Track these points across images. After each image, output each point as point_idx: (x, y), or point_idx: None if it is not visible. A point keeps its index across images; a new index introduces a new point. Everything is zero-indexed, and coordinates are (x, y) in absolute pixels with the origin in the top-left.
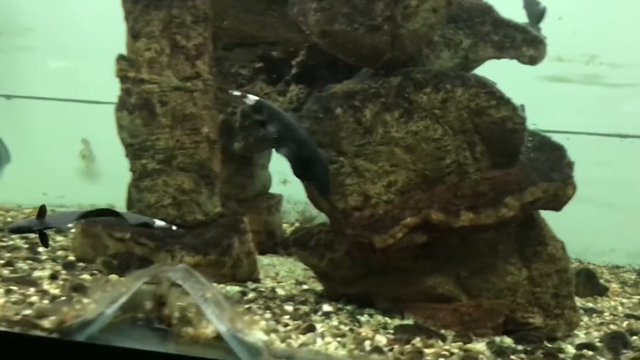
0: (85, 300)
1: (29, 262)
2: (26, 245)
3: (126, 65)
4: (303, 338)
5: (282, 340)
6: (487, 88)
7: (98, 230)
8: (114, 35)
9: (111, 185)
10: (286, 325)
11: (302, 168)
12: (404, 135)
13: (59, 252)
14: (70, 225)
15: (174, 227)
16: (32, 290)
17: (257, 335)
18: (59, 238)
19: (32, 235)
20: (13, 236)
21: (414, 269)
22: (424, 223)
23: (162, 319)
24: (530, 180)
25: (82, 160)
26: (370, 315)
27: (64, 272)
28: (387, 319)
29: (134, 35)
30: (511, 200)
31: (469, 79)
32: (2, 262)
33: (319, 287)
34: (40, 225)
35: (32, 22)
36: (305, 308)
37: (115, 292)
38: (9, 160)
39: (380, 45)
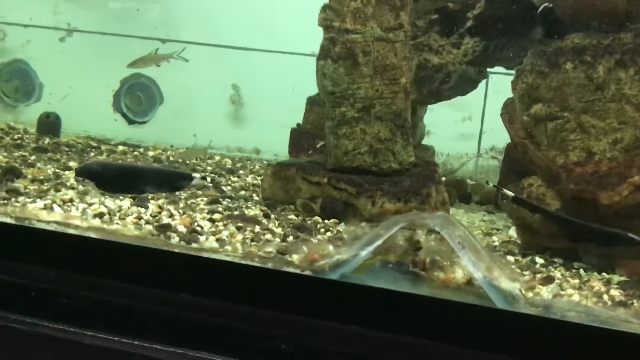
0: (318, 240)
1: (227, 200)
2: (210, 184)
3: (331, 15)
4: (546, 288)
5: (527, 290)
6: None
7: (291, 172)
8: None
9: (257, 130)
10: (521, 275)
11: None
12: (637, 92)
13: (242, 192)
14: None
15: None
16: (257, 228)
17: (512, 283)
18: (233, 178)
19: (212, 174)
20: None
21: (631, 227)
22: None
23: (416, 263)
24: None
25: (231, 105)
26: (584, 270)
27: (269, 211)
28: (604, 274)
29: None
30: None
31: None
32: (205, 199)
33: (506, 238)
34: None
35: None
36: (522, 260)
37: (371, 235)
38: (162, 102)
39: (617, 1)
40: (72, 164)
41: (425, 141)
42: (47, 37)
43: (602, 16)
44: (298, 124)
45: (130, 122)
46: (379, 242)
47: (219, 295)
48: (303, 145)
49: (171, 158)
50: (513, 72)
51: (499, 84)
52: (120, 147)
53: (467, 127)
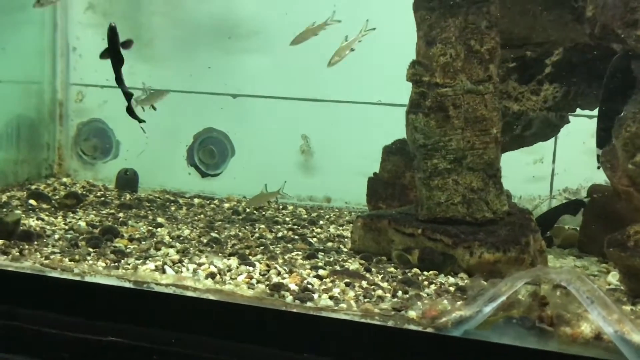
0: (425, 295)
1: (321, 254)
2: (296, 237)
3: (421, 70)
4: None
5: None
6: None
7: (383, 224)
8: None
9: (326, 178)
10: None
11: None
12: None
13: (329, 244)
14: None
15: None
16: (364, 283)
17: None
18: (316, 229)
19: (295, 226)
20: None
21: None
22: None
23: (543, 318)
24: None
25: (301, 155)
26: None
27: (367, 264)
28: None
29: (428, 41)
30: None
31: None
32: (300, 253)
33: (606, 285)
34: None
35: (256, 26)
36: (636, 308)
37: (494, 291)
38: (233, 154)
39: None
40: (160, 220)
41: None
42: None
43: None
44: (375, 173)
45: (204, 175)
46: (503, 298)
47: (341, 356)
48: (381, 194)
49: (247, 209)
50: (583, 113)
51: (569, 126)
52: (196, 200)
53: (539, 169)
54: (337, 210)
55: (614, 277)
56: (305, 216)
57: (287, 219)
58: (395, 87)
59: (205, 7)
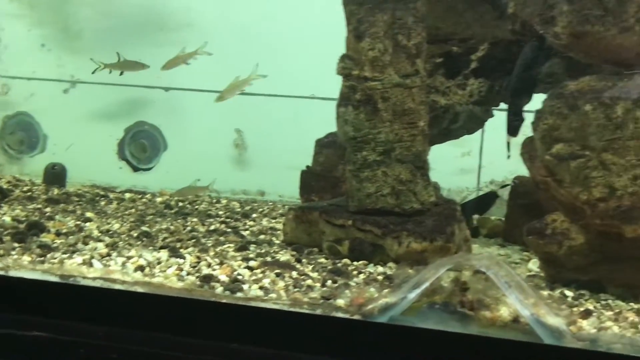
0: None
1: (253, 246)
2: (228, 229)
3: (350, 64)
4: (586, 322)
5: (568, 325)
6: None
7: (314, 216)
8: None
9: (260, 172)
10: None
11: None
12: None
13: (261, 236)
14: None
15: None
16: (294, 273)
17: (557, 318)
18: (249, 222)
19: (227, 219)
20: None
21: None
22: None
23: (464, 303)
24: None
25: (235, 149)
26: (612, 301)
27: (298, 255)
28: (631, 304)
29: (357, 36)
30: None
31: None
32: (232, 245)
33: (526, 272)
34: None
35: (189, 18)
36: (553, 293)
37: (417, 278)
38: (166, 148)
39: (629, 45)
40: (89, 214)
41: None
42: (51, 90)
43: (615, 59)
44: (307, 166)
45: (135, 169)
46: (426, 285)
47: (269, 344)
48: (313, 187)
49: (180, 203)
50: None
51: (496, 120)
52: (128, 195)
53: (467, 161)
54: (271, 203)
55: (534, 265)
56: (239, 209)
57: (221, 212)
58: (328, 81)
59: None
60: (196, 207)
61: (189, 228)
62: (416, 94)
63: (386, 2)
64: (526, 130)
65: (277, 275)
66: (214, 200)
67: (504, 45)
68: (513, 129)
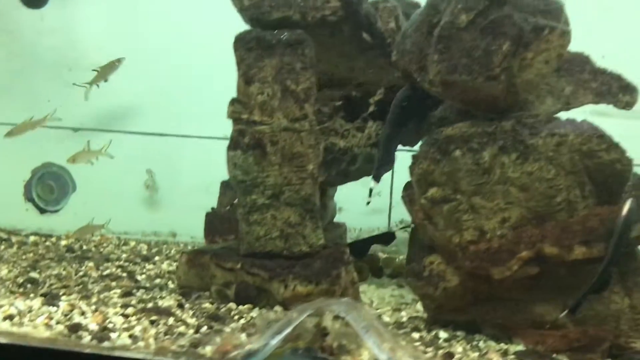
0: (231, 329)
1: (142, 290)
2: (124, 274)
3: (239, 108)
4: None
5: None
6: (598, 132)
7: (205, 259)
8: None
9: (171, 213)
10: (424, 352)
11: None
12: (519, 175)
13: (157, 280)
14: None
15: None
16: (171, 320)
17: None
18: (148, 266)
19: (124, 263)
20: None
21: (524, 298)
22: (536, 256)
23: (324, 348)
24: (635, 217)
25: (146, 190)
26: (484, 341)
27: (183, 300)
28: (502, 344)
29: (247, 80)
30: None
31: (581, 123)
32: (119, 291)
33: (414, 313)
34: None
35: (100, 58)
36: (427, 336)
37: (280, 324)
38: (74, 190)
39: (496, 93)
40: None
41: (338, 218)
42: None
43: (486, 106)
44: (213, 208)
45: (42, 211)
46: (288, 330)
47: None
48: (218, 228)
49: (84, 247)
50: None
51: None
52: (32, 238)
53: (378, 202)
54: (182, 244)
55: (422, 306)
56: (145, 252)
57: (125, 255)
58: None
59: (46, 39)
60: (101, 250)
61: (81, 273)
62: (305, 138)
63: (274, 48)
64: None
65: (152, 322)
66: (122, 243)
67: (399, 89)
68: (378, 176)
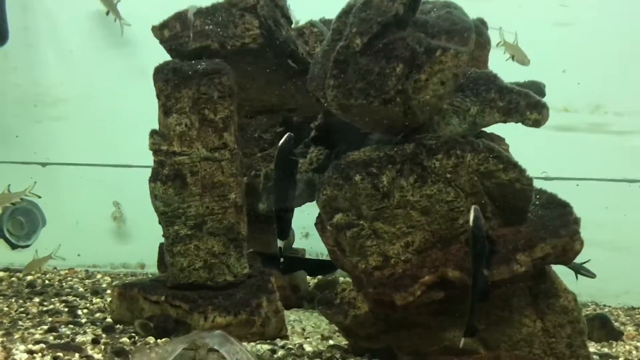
0: None
1: (71, 326)
2: (66, 309)
3: (159, 139)
4: None
5: None
6: (494, 153)
7: (134, 293)
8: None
9: (140, 244)
10: None
11: None
12: (419, 198)
13: (97, 314)
14: None
15: None
16: (77, 356)
17: None
18: (95, 300)
19: (71, 298)
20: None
21: (433, 324)
22: (440, 280)
23: None
24: (539, 237)
25: (113, 222)
26: None
27: (104, 335)
28: None
29: (165, 112)
30: (522, 256)
31: (477, 144)
32: (45, 327)
33: (344, 341)
34: None
35: (63, 94)
36: None
37: (157, 358)
38: (44, 224)
39: (393, 116)
40: None
41: (305, 242)
42: None
43: (386, 128)
44: None
45: (13, 246)
46: None
47: None
48: None
49: (47, 282)
50: None
51: None
52: (1, 274)
53: None
54: (151, 275)
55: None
56: (105, 285)
57: (82, 289)
58: None
59: (10, 77)
60: (63, 284)
61: (22, 309)
62: (226, 167)
63: (191, 78)
64: None
65: (55, 359)
66: (88, 276)
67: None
68: (282, 232)
